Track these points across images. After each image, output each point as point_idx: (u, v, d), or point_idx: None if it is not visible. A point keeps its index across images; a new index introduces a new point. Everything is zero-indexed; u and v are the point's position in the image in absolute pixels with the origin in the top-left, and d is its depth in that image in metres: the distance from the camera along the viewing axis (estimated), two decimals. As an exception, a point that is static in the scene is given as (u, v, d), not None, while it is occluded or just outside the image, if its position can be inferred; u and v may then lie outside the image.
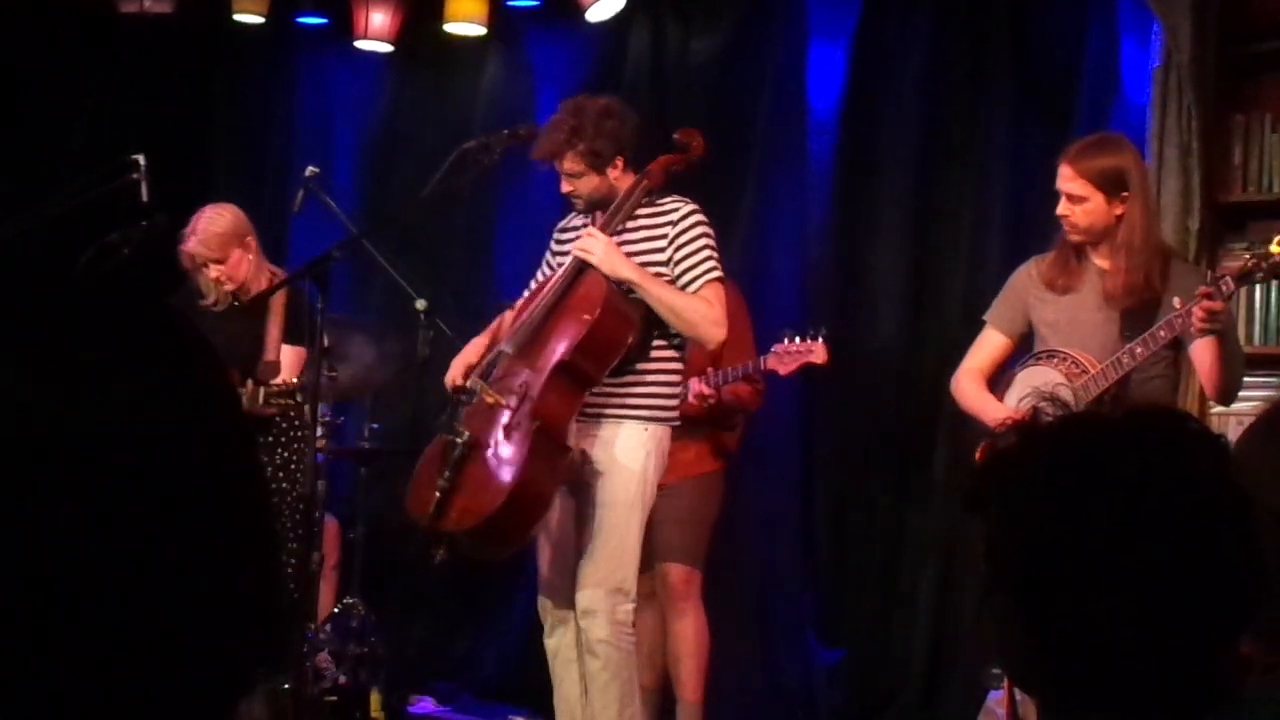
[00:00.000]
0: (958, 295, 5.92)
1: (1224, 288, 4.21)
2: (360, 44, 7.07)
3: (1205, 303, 4.17)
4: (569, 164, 4.74)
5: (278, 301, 5.34)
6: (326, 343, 5.16)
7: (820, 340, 5.46)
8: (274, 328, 5.24)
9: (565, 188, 4.81)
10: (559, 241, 4.98)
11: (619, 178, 4.78)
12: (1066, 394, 4.38)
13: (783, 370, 5.49)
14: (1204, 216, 5.32)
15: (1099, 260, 4.58)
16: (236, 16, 7.03)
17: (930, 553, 6.05)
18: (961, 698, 5.58)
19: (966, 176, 6.14)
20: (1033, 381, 4.54)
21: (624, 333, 4.66)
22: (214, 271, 5.34)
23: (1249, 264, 4.26)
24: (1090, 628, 1.47)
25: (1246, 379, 5.30)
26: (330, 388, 5.53)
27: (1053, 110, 5.79)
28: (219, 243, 5.37)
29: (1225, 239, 5.54)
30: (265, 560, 0.83)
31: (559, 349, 4.61)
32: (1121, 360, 4.40)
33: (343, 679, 5.79)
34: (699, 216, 4.75)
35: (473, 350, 4.90)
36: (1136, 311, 4.47)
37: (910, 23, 6.27)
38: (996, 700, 4.72)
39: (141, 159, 5.42)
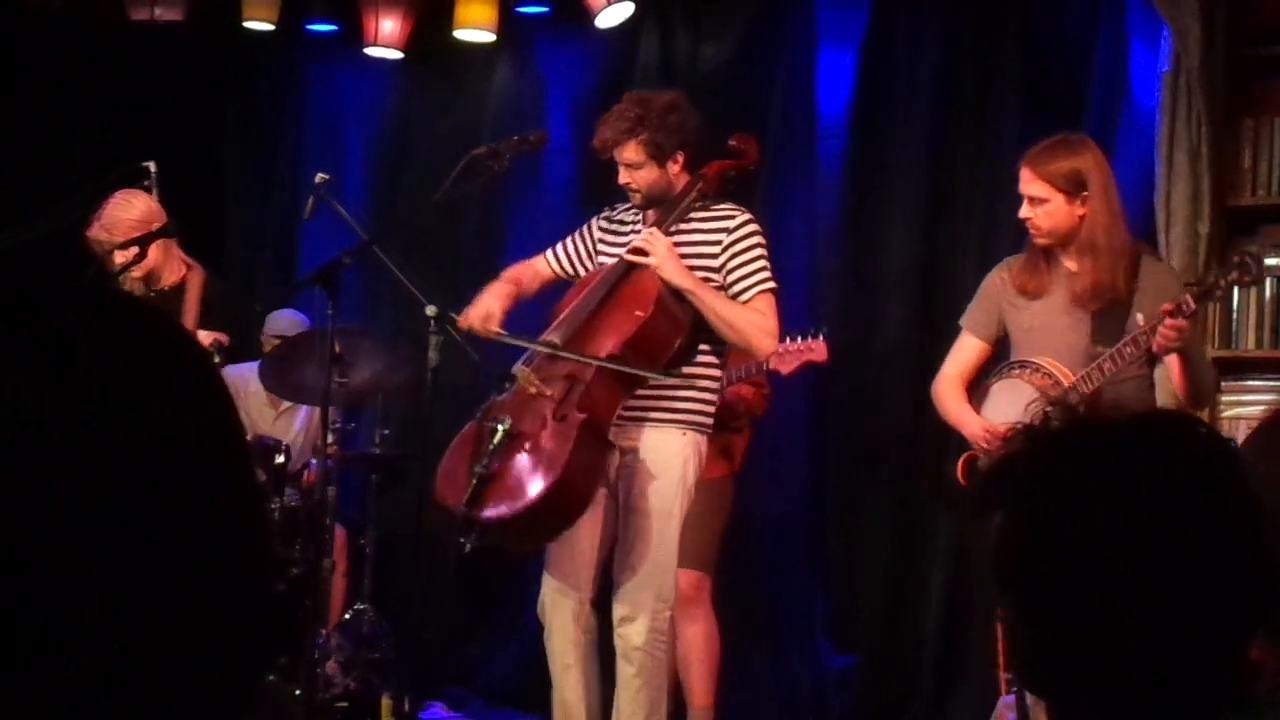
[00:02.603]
0: (967, 299, 5.90)
1: (1185, 307, 4.30)
2: (370, 51, 7.07)
3: (1170, 322, 4.27)
4: (629, 154, 4.70)
5: (192, 290, 5.30)
6: (337, 349, 5.17)
7: (820, 339, 5.48)
8: (188, 317, 5.20)
9: (623, 179, 4.76)
10: (608, 231, 4.93)
11: (678, 174, 4.75)
12: (1074, 397, 4.44)
13: (784, 370, 5.50)
14: (1214, 220, 5.32)
15: (1068, 263, 4.65)
16: (246, 24, 7.03)
17: (941, 556, 6.04)
18: (973, 702, 5.57)
19: (976, 180, 6.13)
20: (1007, 394, 4.64)
21: (674, 334, 4.63)
22: (119, 258, 5.24)
23: (1210, 281, 4.42)
24: (1099, 631, 1.47)
25: (1255, 382, 5.35)
26: (340, 394, 5.53)
27: (1062, 114, 5.77)
28: (123, 229, 5.27)
29: (1235, 243, 5.54)
30: (262, 562, 0.84)
31: (609, 343, 4.58)
32: (1092, 375, 4.49)
33: (353, 685, 5.80)
34: (755, 226, 4.73)
35: (496, 300, 4.83)
36: (1107, 314, 4.56)
37: (920, 26, 6.26)
38: (1008, 704, 4.72)
39: (152, 166, 5.43)
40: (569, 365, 4.60)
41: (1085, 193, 4.54)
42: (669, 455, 4.66)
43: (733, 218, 4.72)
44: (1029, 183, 4.59)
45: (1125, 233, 4.68)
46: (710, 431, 4.78)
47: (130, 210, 5.29)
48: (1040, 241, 4.65)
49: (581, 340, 4.63)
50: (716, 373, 4.80)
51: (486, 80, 7.13)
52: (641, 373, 4.57)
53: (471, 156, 4.93)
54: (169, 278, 5.34)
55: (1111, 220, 4.58)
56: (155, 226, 5.26)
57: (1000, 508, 1.56)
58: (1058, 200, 4.55)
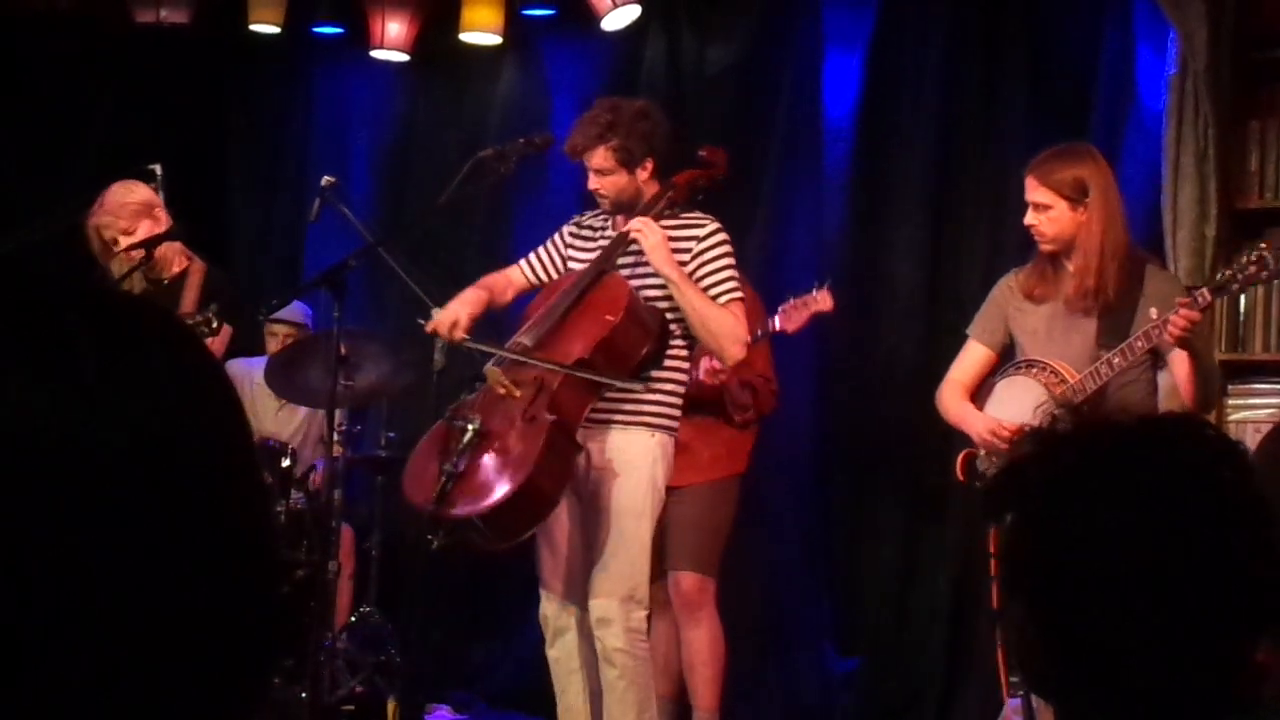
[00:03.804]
0: (974, 302, 5.89)
1: (1200, 299, 4.37)
2: (376, 53, 7.07)
3: (1184, 312, 4.32)
4: (599, 159, 4.73)
5: (193, 281, 5.31)
6: (343, 351, 5.17)
7: (824, 289, 5.48)
8: (187, 305, 5.20)
9: (592, 184, 4.79)
10: (578, 237, 4.95)
11: (647, 181, 4.78)
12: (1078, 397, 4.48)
13: (791, 327, 5.50)
14: (1221, 224, 5.31)
15: (1072, 268, 4.73)
16: (252, 26, 7.04)
17: (946, 559, 6.04)
18: (979, 705, 5.56)
19: (982, 183, 6.13)
20: (1012, 391, 4.74)
21: (642, 340, 4.66)
22: (124, 242, 5.25)
23: (1225, 276, 4.45)
24: (1107, 633, 1.47)
25: (1265, 385, 5.33)
26: (346, 396, 5.53)
27: (1069, 117, 5.78)
28: (129, 213, 5.27)
29: (1243, 247, 5.52)
30: (264, 563, 0.84)
31: (579, 346, 4.60)
32: (1100, 370, 4.57)
33: (359, 688, 5.80)
34: (724, 235, 4.78)
35: (465, 307, 4.80)
36: (1111, 318, 4.61)
37: (926, 30, 6.26)
38: (1014, 708, 4.71)
39: (158, 168, 5.43)
40: (537, 367, 4.62)
41: (1088, 199, 4.63)
42: (638, 456, 4.68)
43: (703, 226, 4.76)
44: (1034, 190, 4.69)
45: (1126, 239, 4.73)
46: (676, 433, 4.80)
47: (131, 195, 5.31)
48: (1045, 247, 4.74)
49: (552, 344, 4.66)
50: (683, 376, 4.83)
51: (492, 83, 7.14)
52: (609, 380, 4.60)
53: (477, 159, 4.94)
54: (168, 270, 5.35)
55: (1110, 226, 4.65)
56: (156, 212, 5.28)
57: (1008, 510, 1.56)
58: (1061, 207, 4.65)
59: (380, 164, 7.37)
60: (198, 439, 0.80)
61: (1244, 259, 4.46)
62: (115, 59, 7.38)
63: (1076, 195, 4.63)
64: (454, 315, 4.75)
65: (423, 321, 4.82)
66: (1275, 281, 4.78)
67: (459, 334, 4.73)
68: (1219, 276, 4.51)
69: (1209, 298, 4.40)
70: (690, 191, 4.86)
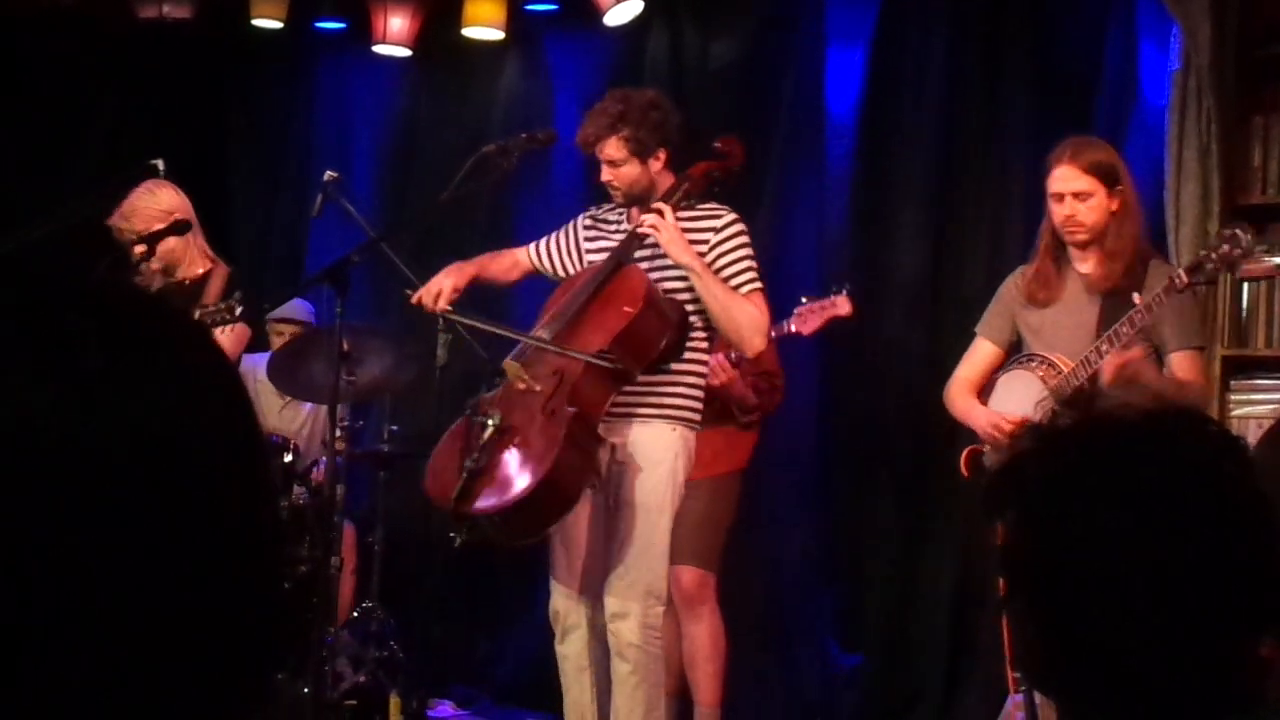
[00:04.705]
0: (977, 298, 5.89)
1: (1177, 281, 4.42)
2: (379, 48, 7.07)
3: (1156, 297, 4.42)
4: (611, 150, 4.72)
5: (214, 286, 5.31)
6: (345, 347, 5.17)
7: (844, 294, 5.47)
8: (208, 301, 5.21)
9: (605, 175, 4.78)
10: (593, 230, 4.95)
11: (660, 172, 4.76)
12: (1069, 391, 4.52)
13: (806, 330, 5.48)
14: (1223, 219, 5.30)
15: (1080, 266, 4.73)
16: (255, 21, 7.04)
17: (949, 555, 6.04)
18: (981, 702, 5.56)
19: (985, 179, 6.13)
20: (1012, 386, 4.77)
21: (661, 332, 4.63)
22: (138, 248, 5.24)
23: (1201, 258, 4.51)
24: (1108, 630, 1.47)
25: (1267, 381, 5.33)
26: (349, 391, 5.53)
27: (1071, 113, 5.77)
28: (142, 218, 5.27)
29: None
30: (264, 563, 0.83)
31: (598, 338, 4.58)
32: (1089, 359, 4.59)
33: (362, 682, 5.80)
34: (742, 226, 4.76)
35: (461, 274, 4.83)
36: (1113, 313, 4.59)
37: (928, 25, 6.26)
38: (1016, 704, 4.71)
39: (161, 164, 5.42)
40: (558, 360, 4.60)
41: (1119, 185, 4.62)
42: (660, 450, 4.67)
43: (719, 217, 4.75)
44: (1073, 178, 4.62)
45: (1144, 229, 4.76)
46: (699, 427, 4.79)
47: (153, 200, 5.30)
48: (1079, 238, 4.68)
49: (570, 336, 4.64)
50: (703, 369, 4.83)
51: (495, 78, 7.14)
52: (624, 368, 4.58)
53: (480, 154, 4.94)
54: (189, 270, 5.34)
55: (1140, 211, 4.70)
56: (177, 218, 5.27)
57: (1008, 507, 1.56)
58: (1100, 193, 4.61)
59: (382, 159, 7.37)
60: (200, 438, 0.80)
61: (1218, 239, 4.50)
62: (116, 57, 7.38)
63: (1111, 181, 4.61)
64: (438, 285, 4.77)
65: (409, 292, 4.83)
66: (1245, 261, 4.78)
67: (442, 304, 4.74)
68: (1196, 256, 4.55)
69: (1185, 279, 4.43)
70: (706, 183, 4.83)
